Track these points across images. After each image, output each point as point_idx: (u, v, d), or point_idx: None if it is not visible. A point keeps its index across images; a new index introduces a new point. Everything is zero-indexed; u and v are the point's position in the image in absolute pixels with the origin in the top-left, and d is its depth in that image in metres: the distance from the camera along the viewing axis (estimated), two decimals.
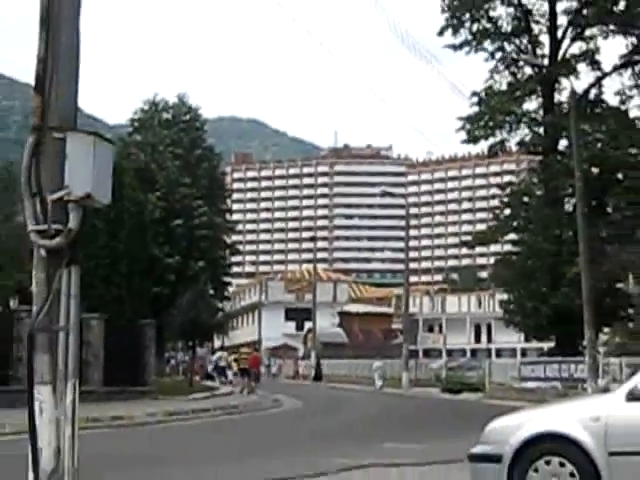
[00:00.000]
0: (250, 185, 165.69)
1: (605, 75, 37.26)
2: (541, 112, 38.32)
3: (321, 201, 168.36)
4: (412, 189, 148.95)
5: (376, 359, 48.60)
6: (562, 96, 36.92)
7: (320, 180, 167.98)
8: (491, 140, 39.41)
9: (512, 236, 40.90)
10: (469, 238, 52.17)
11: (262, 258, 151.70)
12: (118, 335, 27.45)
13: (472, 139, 38.85)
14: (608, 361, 30.94)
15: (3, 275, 33.15)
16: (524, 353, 53.04)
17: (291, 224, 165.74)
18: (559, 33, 37.30)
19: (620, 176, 35.87)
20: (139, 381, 29.03)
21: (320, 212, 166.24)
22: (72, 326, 6.91)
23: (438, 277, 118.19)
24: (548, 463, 7.72)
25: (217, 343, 65.36)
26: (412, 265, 75.79)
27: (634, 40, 32.35)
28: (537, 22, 38.33)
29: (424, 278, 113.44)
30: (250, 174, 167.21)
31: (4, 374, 22.40)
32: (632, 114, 36.24)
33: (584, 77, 36.95)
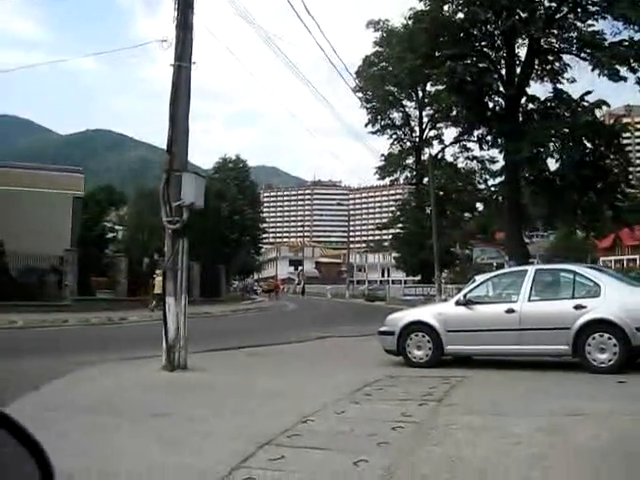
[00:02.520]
0: (273, 199, 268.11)
1: (446, 146, 60.41)
2: (414, 164, 62.14)
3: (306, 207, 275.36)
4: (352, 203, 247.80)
5: (329, 285, 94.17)
6: (424, 157, 58.54)
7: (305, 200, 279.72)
8: (390, 177, 64.68)
9: (400, 225, 67.84)
10: (381, 225, 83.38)
11: (278, 235, 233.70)
12: (207, 271, 46.00)
13: (382, 177, 64.78)
14: (446, 287, 49.79)
15: (152, 243, 52.25)
16: (405, 282, 78.41)
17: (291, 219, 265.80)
18: (424, 125, 62.16)
19: (453, 196, 58.79)
20: (217, 295, 48.84)
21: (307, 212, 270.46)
22: (184, 267, 12.88)
23: (364, 244, 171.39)
24: (417, 335, 12.97)
25: (255, 276, 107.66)
26: (352, 239, 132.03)
27: (460, 129, 50.23)
28: (413, 120, 63.27)
29: (358, 245, 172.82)
30: (272, 193, 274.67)
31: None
32: (459, 166, 59.61)
33: (436, 147, 61.16)
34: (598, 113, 36.27)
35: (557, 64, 36.96)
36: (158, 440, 6.72)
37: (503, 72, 36.05)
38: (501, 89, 35.83)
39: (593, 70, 32.88)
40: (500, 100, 36.66)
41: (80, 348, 16.63)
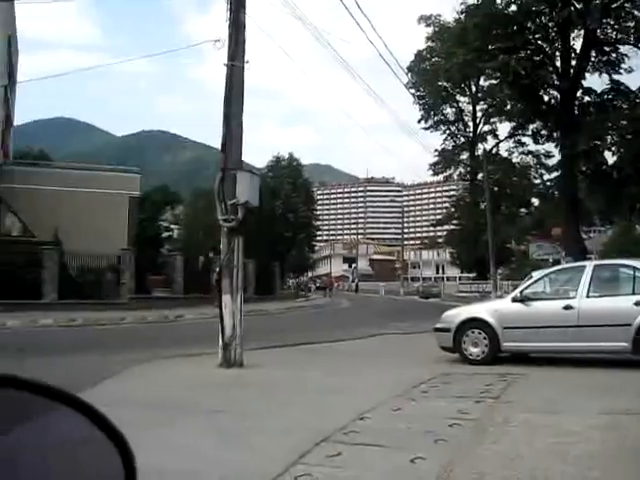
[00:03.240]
0: (326, 197, 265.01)
1: (500, 141, 60.68)
2: (468, 160, 63.13)
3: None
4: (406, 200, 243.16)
5: (383, 283, 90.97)
6: (479, 152, 59.57)
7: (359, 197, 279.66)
8: (444, 173, 66.24)
9: (454, 221, 69.24)
10: (435, 222, 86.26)
11: (332, 232, 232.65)
12: (261, 269, 45.85)
13: (435, 173, 66.04)
14: (502, 283, 50.32)
15: (207, 241, 51.26)
16: (460, 278, 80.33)
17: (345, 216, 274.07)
18: (477, 120, 62.84)
19: (508, 191, 58.71)
20: (271, 292, 48.60)
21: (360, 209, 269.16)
22: (239, 265, 13.01)
23: (418, 241, 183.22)
24: (473, 332, 12.90)
25: (309, 274, 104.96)
26: (406, 236, 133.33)
27: (514, 124, 49.96)
28: (466, 115, 64.26)
29: (412, 242, 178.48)
30: (326, 191, 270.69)
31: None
32: (514, 160, 59.31)
33: (490, 142, 61.74)
34: None
35: (614, 55, 36.12)
36: (214, 436, 6.79)
37: (558, 64, 35.45)
38: (556, 82, 35.27)
39: None
40: (555, 93, 36.11)
41: (137, 345, 16.86)
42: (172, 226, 78.30)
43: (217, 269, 13.34)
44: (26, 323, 22.80)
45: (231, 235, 12.85)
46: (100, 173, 44.61)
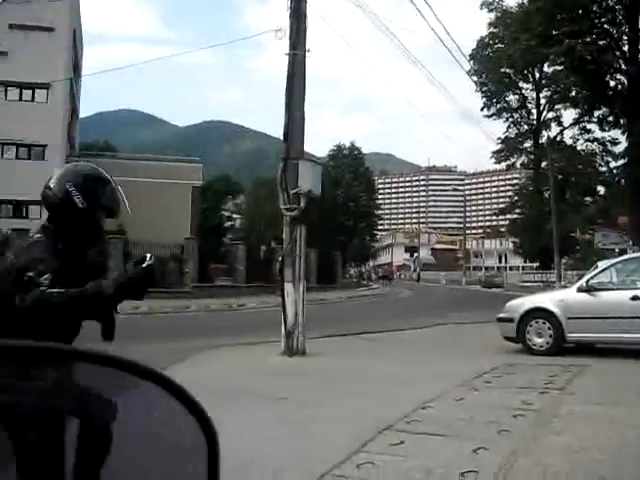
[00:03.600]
0: (387, 186, 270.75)
1: (565, 128, 58.51)
2: (532, 148, 60.92)
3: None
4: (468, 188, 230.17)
5: (443, 272, 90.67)
6: (543, 139, 57.44)
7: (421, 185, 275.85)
8: (507, 162, 64.47)
9: (518, 210, 66.73)
10: (498, 210, 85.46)
11: (394, 221, 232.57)
12: (323, 258, 46.27)
13: (498, 161, 64.87)
14: (566, 273, 49.59)
15: (269, 231, 54.16)
16: (523, 268, 79.65)
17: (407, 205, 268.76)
18: (541, 107, 60.60)
19: (573, 179, 56.07)
20: (333, 282, 48.41)
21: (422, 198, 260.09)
22: (301, 254, 13.09)
23: (480, 230, 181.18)
24: (537, 322, 12.79)
25: (371, 263, 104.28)
26: (468, 225, 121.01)
27: (579, 110, 47.91)
28: (529, 102, 62.25)
29: (474, 231, 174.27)
30: (387, 180, 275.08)
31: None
32: (578, 148, 56.68)
33: (554, 129, 59.17)
34: None
35: None
36: (276, 423, 6.87)
37: (625, 49, 34.63)
38: (623, 67, 34.44)
39: None
40: (622, 78, 35.30)
41: (201, 333, 17.11)
42: (234, 216, 79.05)
43: (280, 258, 13.41)
44: None
45: (293, 224, 12.92)
46: (163, 163, 45.37)
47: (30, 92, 39.53)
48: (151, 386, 1.07)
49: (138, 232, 32.76)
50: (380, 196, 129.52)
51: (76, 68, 46.00)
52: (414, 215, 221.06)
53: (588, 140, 55.90)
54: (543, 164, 56.01)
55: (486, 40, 59.03)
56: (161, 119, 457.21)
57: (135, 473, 1.05)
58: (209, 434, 1.11)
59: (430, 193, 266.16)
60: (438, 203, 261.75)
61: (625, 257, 15.35)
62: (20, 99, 39.43)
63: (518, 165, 66.01)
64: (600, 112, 39.17)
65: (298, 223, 12.91)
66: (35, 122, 37.37)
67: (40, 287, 2.70)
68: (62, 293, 2.76)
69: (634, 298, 11.79)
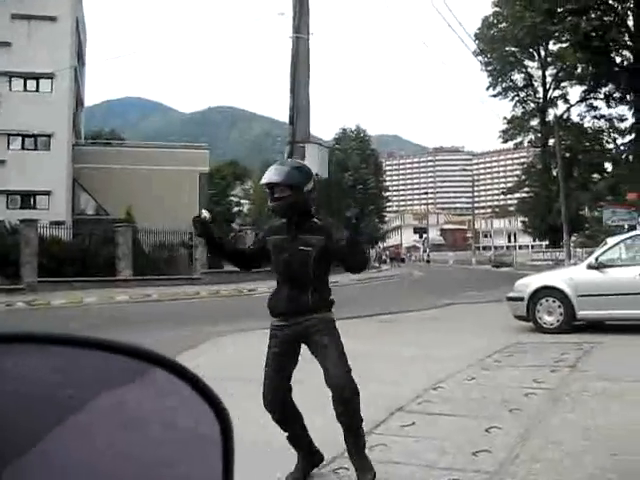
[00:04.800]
0: (395, 167, 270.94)
1: (571, 106, 58.47)
2: (538, 126, 60.75)
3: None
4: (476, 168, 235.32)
5: (451, 252, 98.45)
6: (549, 117, 57.72)
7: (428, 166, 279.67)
8: (514, 141, 64.21)
9: (526, 189, 67.32)
10: (506, 190, 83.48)
11: (402, 203, 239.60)
12: None
13: (505, 140, 64.33)
14: (575, 251, 48.74)
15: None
16: (533, 247, 79.84)
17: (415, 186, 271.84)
18: (547, 85, 60.35)
19: (580, 157, 55.37)
20: None
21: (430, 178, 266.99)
22: None
23: (489, 210, 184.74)
24: (547, 300, 12.72)
25: (381, 245, 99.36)
26: (477, 205, 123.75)
27: (585, 87, 47.50)
28: (535, 80, 61.82)
29: (483, 211, 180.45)
30: (395, 162, 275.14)
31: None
32: (585, 125, 56.48)
33: (561, 107, 59.29)
34: None
35: None
36: None
37: (630, 24, 34.39)
38: (629, 43, 34.23)
39: None
40: (628, 54, 35.11)
41: (212, 319, 17.14)
42: (242, 201, 79.04)
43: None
44: (103, 299, 23.40)
45: None
46: (170, 150, 45.41)
47: (34, 82, 39.47)
48: (163, 374, 1.07)
49: (147, 219, 32.87)
50: (388, 178, 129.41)
51: (80, 57, 45.95)
52: (422, 196, 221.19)
53: (595, 117, 55.72)
54: (550, 142, 55.84)
55: (491, 20, 58.80)
56: (167, 106, 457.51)
57: (147, 461, 1.05)
58: (224, 423, 1.11)
59: (438, 174, 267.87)
60: (446, 183, 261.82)
61: (634, 233, 15.26)
62: (24, 89, 39.40)
63: (525, 144, 65.86)
64: (606, 89, 39.06)
65: None
66: (40, 112, 37.36)
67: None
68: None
69: None
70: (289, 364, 4.91)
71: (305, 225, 4.62)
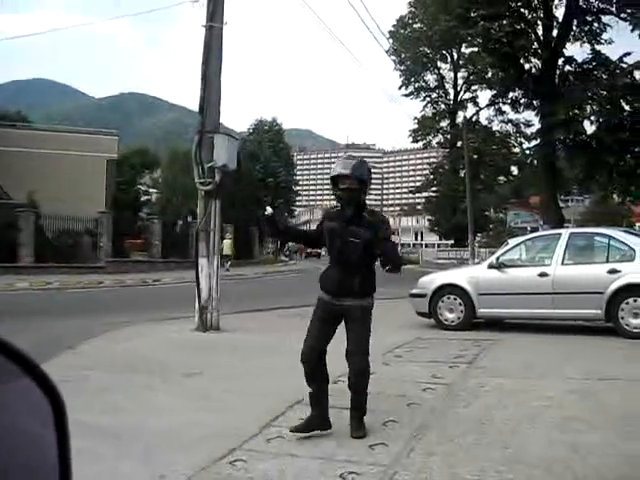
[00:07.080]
0: (306, 162, 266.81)
1: (481, 109, 59.61)
2: (448, 127, 61.95)
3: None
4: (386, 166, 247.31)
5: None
6: (459, 119, 58.86)
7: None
8: (424, 140, 64.23)
9: (434, 189, 67.83)
10: (414, 188, 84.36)
11: (312, 198, 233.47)
12: (240, 233, 45.13)
13: (415, 140, 64.30)
14: (479, 250, 48.43)
15: (186, 205, 54.45)
16: (439, 245, 78.92)
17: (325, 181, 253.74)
18: (458, 87, 62.35)
19: (487, 159, 57.55)
20: (250, 257, 50.45)
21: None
22: (216, 229, 12.96)
23: (397, 207, 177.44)
24: (449, 298, 12.93)
25: None
26: (386, 202, 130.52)
27: (494, 91, 47.45)
28: (447, 82, 63.23)
29: (391, 208, 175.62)
30: (306, 156, 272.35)
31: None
32: (494, 129, 57.93)
33: (470, 110, 60.34)
34: (638, 75, 35.31)
35: (596, 25, 35.97)
36: (190, 398, 6.84)
37: (540, 33, 35.33)
38: (538, 50, 35.17)
39: (633, 31, 32.05)
40: (536, 62, 36.01)
41: (115, 309, 16.85)
42: (150, 190, 77.79)
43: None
44: (1, 286, 22.63)
45: (208, 198, 12.77)
46: (77, 135, 44.24)
47: None
48: None
49: (51, 205, 31.92)
50: (299, 172, 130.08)
51: None
52: (332, 192, 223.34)
53: (503, 121, 57.23)
54: (459, 144, 56.89)
55: (406, 19, 59.45)
56: (77, 90, 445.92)
57: None
58: (55, 401, 1.05)
59: None
60: None
61: (534, 235, 15.69)
62: None
63: (435, 144, 66.91)
64: (514, 94, 39.88)
65: (212, 197, 12.74)
66: None
67: None
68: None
69: (542, 275, 12.07)
70: (329, 330, 5.54)
71: (357, 217, 5.41)
